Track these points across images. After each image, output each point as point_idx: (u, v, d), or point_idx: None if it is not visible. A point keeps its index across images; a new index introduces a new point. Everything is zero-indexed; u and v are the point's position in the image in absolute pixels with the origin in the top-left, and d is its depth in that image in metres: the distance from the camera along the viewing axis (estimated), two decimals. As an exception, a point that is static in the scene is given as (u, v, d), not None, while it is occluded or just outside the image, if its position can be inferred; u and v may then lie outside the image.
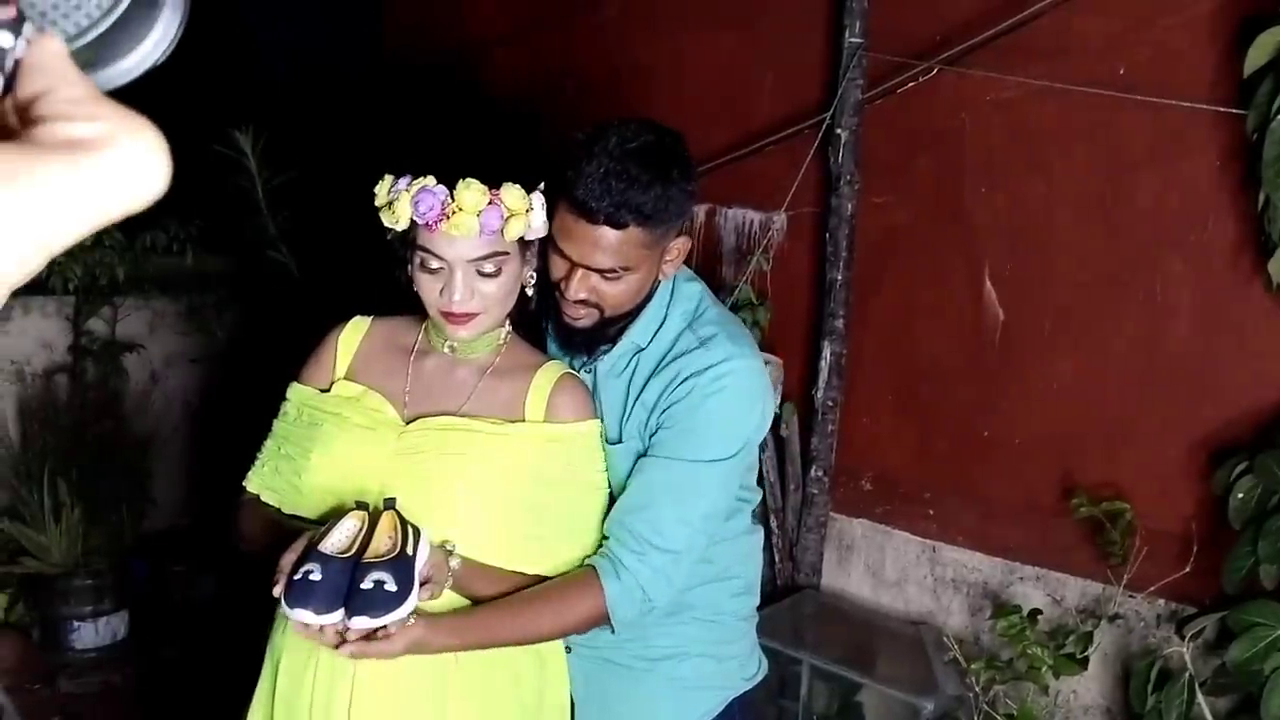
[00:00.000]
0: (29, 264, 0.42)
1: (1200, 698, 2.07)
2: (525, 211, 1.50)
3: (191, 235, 3.76)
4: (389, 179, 1.54)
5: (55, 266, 3.54)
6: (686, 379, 1.56)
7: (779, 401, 2.93)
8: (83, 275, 3.56)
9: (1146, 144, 2.44)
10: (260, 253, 3.52)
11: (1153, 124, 2.40)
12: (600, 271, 1.53)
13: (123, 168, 0.44)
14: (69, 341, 3.75)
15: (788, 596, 2.89)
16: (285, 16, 5.00)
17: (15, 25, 0.46)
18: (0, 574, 3.55)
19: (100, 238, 3.60)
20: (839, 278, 2.86)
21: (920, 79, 2.73)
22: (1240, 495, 2.03)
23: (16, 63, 0.46)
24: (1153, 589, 2.34)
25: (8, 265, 0.41)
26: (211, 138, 3.52)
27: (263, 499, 1.65)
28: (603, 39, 3.53)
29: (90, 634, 3.55)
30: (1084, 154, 2.55)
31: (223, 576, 3.76)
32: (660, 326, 1.63)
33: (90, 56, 0.51)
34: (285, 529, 1.53)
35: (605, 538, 1.57)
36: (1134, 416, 2.49)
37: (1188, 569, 2.28)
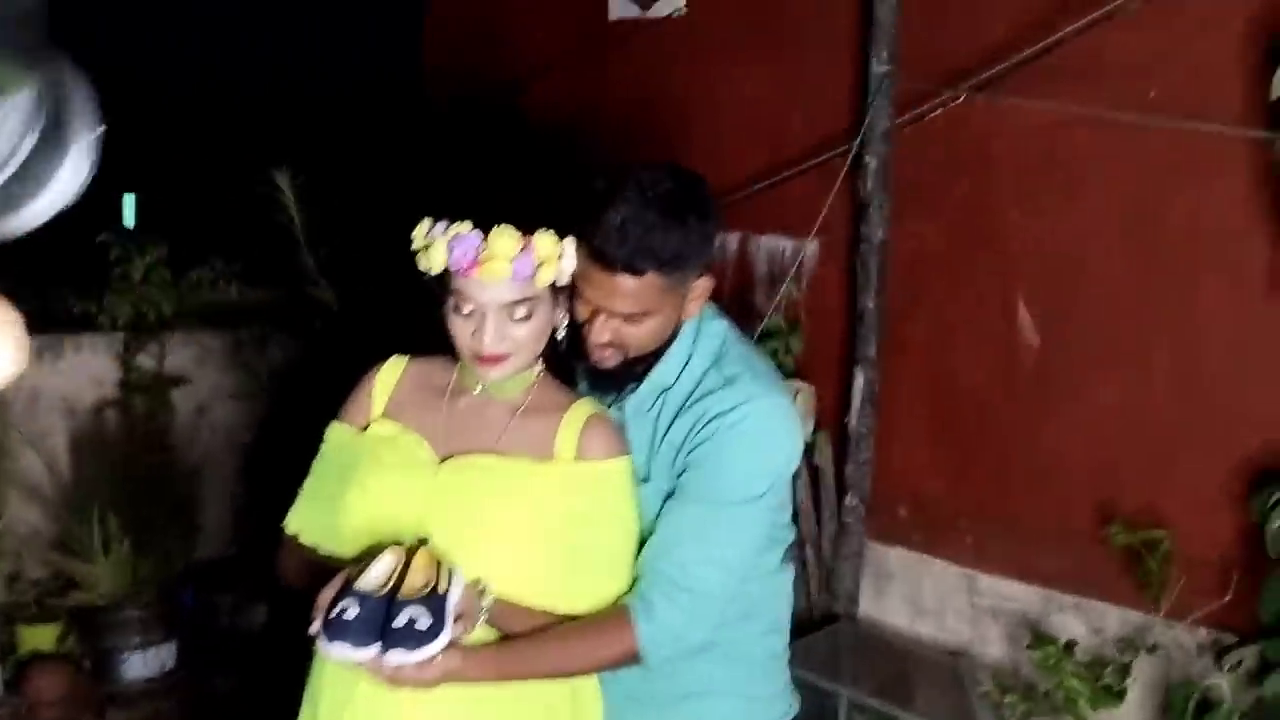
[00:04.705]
0: None
1: (1242, 729, 2.05)
2: (557, 258, 1.52)
3: (235, 271, 3.84)
4: (426, 223, 1.57)
5: (104, 304, 3.64)
6: (711, 419, 1.57)
7: (812, 429, 2.94)
8: (130, 312, 3.64)
9: (1179, 167, 2.43)
10: (300, 288, 3.58)
11: (1185, 147, 2.39)
12: (622, 316, 1.56)
13: None
14: (118, 377, 3.83)
15: (825, 626, 2.88)
16: (325, 54, 5.11)
17: None
18: (50, 606, 3.63)
19: (147, 275, 3.70)
20: (870, 304, 2.86)
21: (949, 105, 2.74)
22: (1277, 524, 2.01)
23: None
24: (1193, 618, 2.32)
25: None
26: (253, 175, 3.61)
27: (301, 539, 1.68)
28: (637, 70, 3.57)
29: (139, 664, 3.60)
30: (1117, 177, 2.54)
31: (272, 605, 3.81)
32: (686, 365, 1.64)
33: None
34: (324, 568, 1.56)
35: (638, 578, 1.58)
36: (1172, 442, 2.47)
37: (1228, 597, 2.26)
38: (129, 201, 8.60)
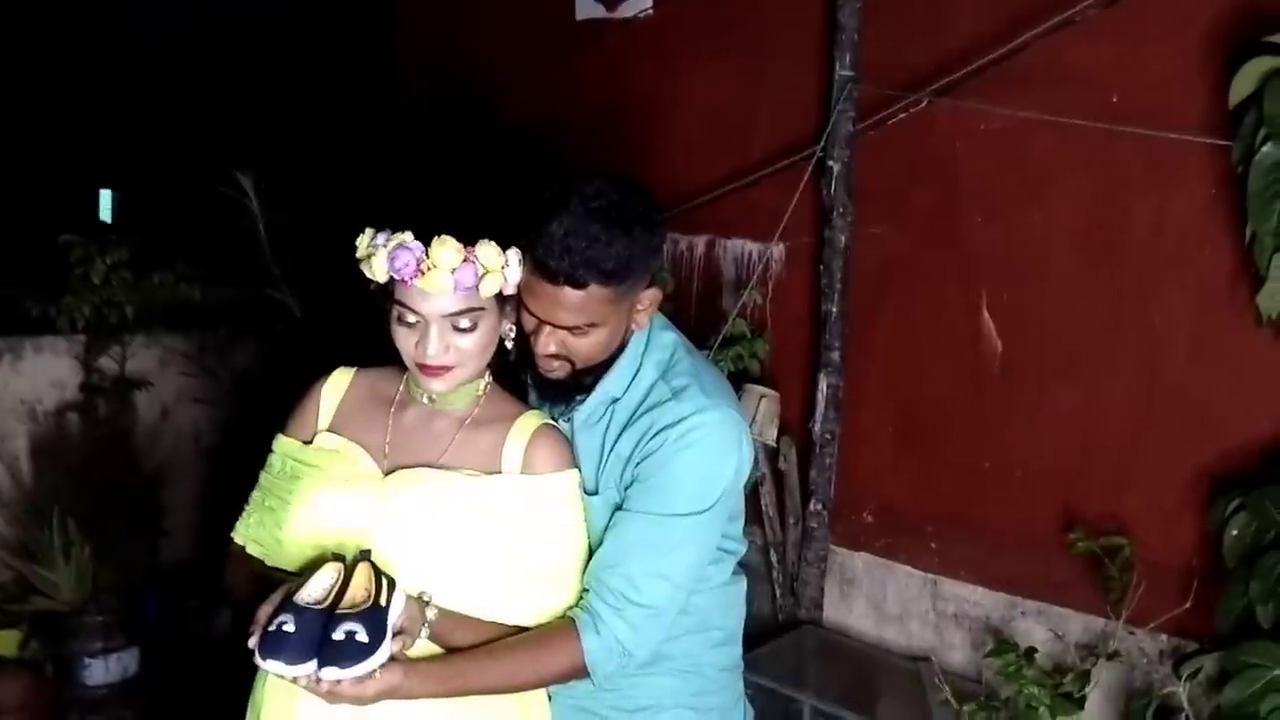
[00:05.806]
0: None
1: (1200, 737, 2.05)
2: (501, 268, 1.51)
3: (199, 273, 3.80)
4: (369, 233, 1.56)
5: (63, 305, 3.60)
6: (659, 432, 1.56)
7: (776, 435, 2.92)
8: (91, 314, 3.60)
9: (1140, 173, 2.43)
10: (262, 291, 3.55)
11: (1146, 153, 2.38)
12: (566, 328, 1.54)
13: None
14: (80, 380, 3.79)
15: (789, 632, 2.87)
16: (296, 56, 5.06)
17: None
18: (12, 611, 3.58)
19: (108, 276, 3.65)
20: (834, 309, 2.85)
21: (912, 110, 2.73)
22: (1234, 532, 2.01)
23: None
24: (1154, 624, 2.31)
25: None
26: (218, 179, 3.57)
27: (248, 551, 1.66)
28: (603, 71, 3.55)
29: (101, 671, 3.57)
30: (1078, 183, 2.54)
31: (236, 611, 3.76)
32: (635, 376, 1.63)
33: None
34: (268, 580, 1.53)
35: (585, 590, 1.56)
36: (1133, 448, 2.47)
37: (1189, 604, 2.25)
38: (105, 197, 8.53)
